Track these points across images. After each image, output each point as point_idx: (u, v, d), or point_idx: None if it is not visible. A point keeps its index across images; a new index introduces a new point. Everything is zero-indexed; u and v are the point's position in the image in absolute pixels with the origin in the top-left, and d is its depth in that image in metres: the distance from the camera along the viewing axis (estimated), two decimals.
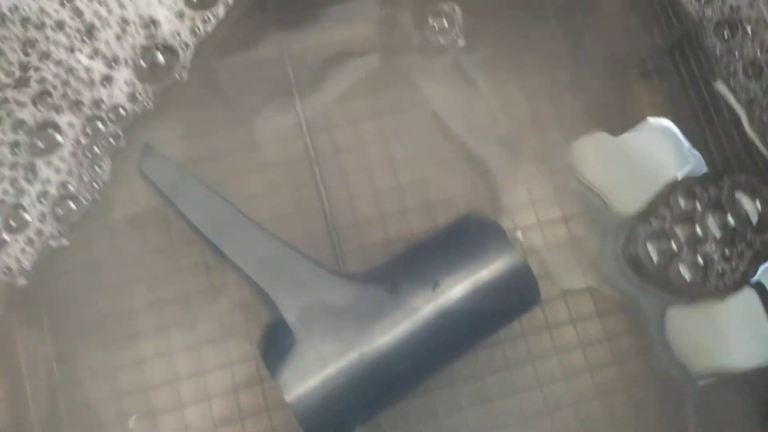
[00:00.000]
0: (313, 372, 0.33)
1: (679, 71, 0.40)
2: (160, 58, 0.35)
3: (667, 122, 0.40)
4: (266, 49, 0.41)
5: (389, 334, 0.34)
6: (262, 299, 0.36)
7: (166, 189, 0.36)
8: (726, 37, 0.36)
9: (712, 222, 0.37)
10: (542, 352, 0.40)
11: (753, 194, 0.38)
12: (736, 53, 0.36)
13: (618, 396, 0.40)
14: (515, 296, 0.36)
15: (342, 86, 0.42)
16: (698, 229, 0.36)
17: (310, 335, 0.34)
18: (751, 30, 0.35)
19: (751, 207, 0.37)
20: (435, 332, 0.34)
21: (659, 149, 0.40)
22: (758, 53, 0.34)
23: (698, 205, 0.36)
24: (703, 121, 0.39)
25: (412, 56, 0.42)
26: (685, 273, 0.37)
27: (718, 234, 0.37)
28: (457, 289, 0.34)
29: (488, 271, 0.35)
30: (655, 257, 0.37)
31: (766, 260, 0.38)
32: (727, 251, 0.37)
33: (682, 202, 0.36)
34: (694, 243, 0.37)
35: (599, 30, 0.43)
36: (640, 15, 0.42)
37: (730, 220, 0.37)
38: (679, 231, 0.37)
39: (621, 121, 0.42)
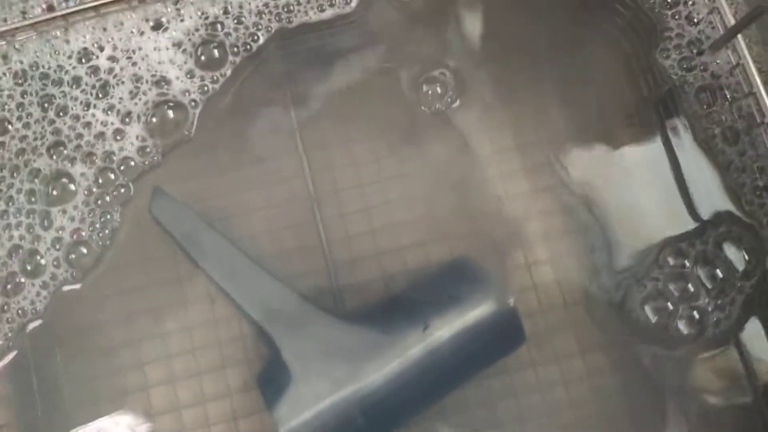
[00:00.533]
0: (308, 408, 0.35)
1: (662, 126, 0.42)
2: (170, 114, 0.38)
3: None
4: (271, 97, 0.43)
5: (381, 372, 0.36)
6: (262, 337, 0.38)
7: (175, 231, 0.39)
8: (707, 100, 0.38)
9: (702, 276, 0.39)
10: (525, 389, 0.42)
11: (737, 243, 0.40)
12: (715, 117, 0.38)
13: None
14: (501, 338, 0.38)
15: (343, 131, 0.45)
16: (690, 286, 0.38)
17: (306, 373, 0.36)
18: (730, 96, 0.37)
19: (736, 255, 0.39)
20: (424, 371, 0.36)
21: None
22: (736, 119, 0.36)
23: (687, 263, 0.38)
24: (683, 174, 0.41)
25: (411, 110, 0.44)
26: (684, 328, 0.39)
27: (709, 286, 0.39)
28: (446, 330, 0.37)
29: (475, 314, 0.37)
30: (653, 318, 0.39)
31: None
32: (719, 301, 0.39)
33: (671, 261, 0.38)
34: (688, 299, 0.39)
35: (589, 81, 0.45)
36: (629, 71, 0.44)
37: (719, 272, 0.39)
38: (673, 289, 0.39)
39: (608, 169, 0.44)
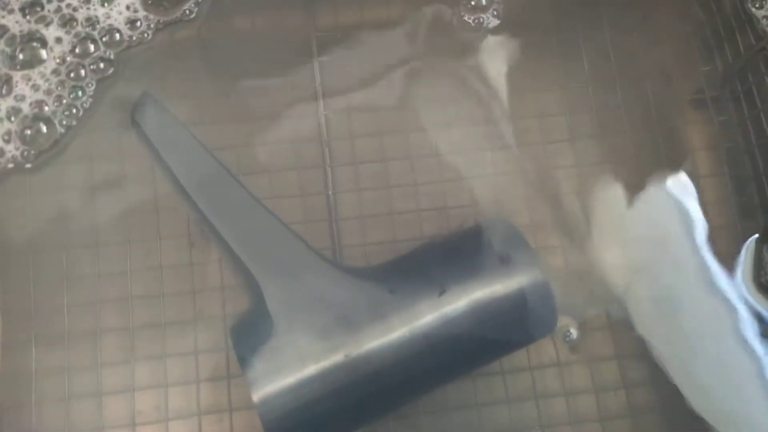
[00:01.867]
0: (289, 370, 0.28)
1: (738, 103, 0.37)
2: None
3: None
4: (292, 16, 0.37)
5: (383, 338, 0.29)
6: (245, 280, 0.31)
7: (158, 141, 0.32)
8: None
9: None
10: (548, 391, 0.35)
11: None
12: None
13: None
14: (530, 319, 0.31)
15: (367, 68, 0.39)
16: None
17: (292, 328, 0.29)
18: None
19: None
20: (434, 344, 0.30)
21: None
22: None
23: None
24: (759, 161, 0.36)
25: (443, 49, 0.38)
26: None
27: None
28: (466, 299, 0.30)
29: (505, 285, 0.31)
30: None
31: None
32: None
33: None
34: None
35: (653, 47, 0.39)
36: (700, 35, 0.39)
37: None
38: None
39: (664, 153, 0.38)
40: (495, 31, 0.38)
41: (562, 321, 0.35)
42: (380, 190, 0.38)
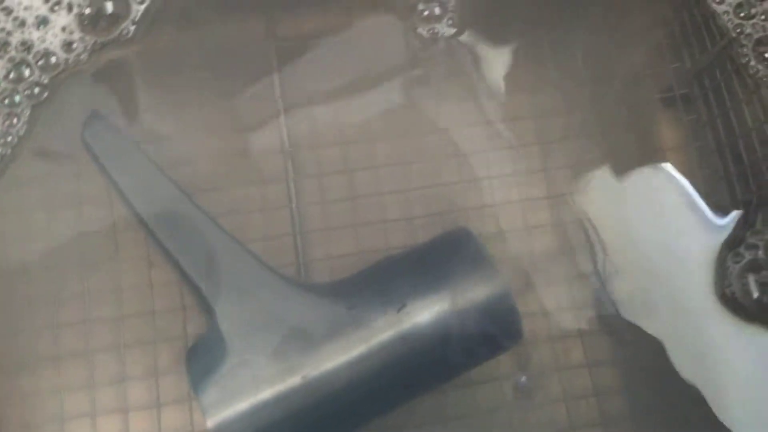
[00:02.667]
0: (244, 394, 0.28)
1: (707, 100, 0.36)
2: (109, 6, 0.31)
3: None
4: (247, 27, 0.36)
5: (341, 357, 0.28)
6: (199, 301, 0.31)
7: (108, 162, 0.32)
8: (767, 57, 0.31)
9: None
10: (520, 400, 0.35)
11: None
12: None
13: None
14: (493, 331, 0.31)
15: (329, 78, 0.38)
16: None
17: (247, 350, 0.28)
18: None
19: None
20: (395, 361, 0.29)
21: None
22: None
23: None
24: (729, 159, 0.35)
25: (408, 52, 0.37)
26: None
27: None
28: (426, 313, 0.29)
29: (465, 298, 0.30)
30: (755, 292, 0.31)
31: None
32: None
33: None
34: None
35: (622, 46, 0.38)
36: (668, 31, 0.38)
37: None
38: None
39: (635, 153, 0.38)
40: (452, 39, 0.37)
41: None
42: (345, 202, 0.37)
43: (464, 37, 0.37)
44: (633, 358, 0.35)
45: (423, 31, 0.36)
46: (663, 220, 0.35)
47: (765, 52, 0.30)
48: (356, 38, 0.38)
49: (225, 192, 0.36)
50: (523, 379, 0.33)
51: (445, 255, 0.31)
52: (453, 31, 0.36)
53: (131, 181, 0.31)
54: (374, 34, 0.37)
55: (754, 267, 0.29)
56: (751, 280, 0.29)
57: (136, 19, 0.31)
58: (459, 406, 0.34)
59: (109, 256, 0.35)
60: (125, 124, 0.33)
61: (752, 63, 0.31)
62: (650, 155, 0.37)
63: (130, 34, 0.31)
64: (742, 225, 0.30)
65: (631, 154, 0.37)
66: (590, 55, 0.38)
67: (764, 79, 0.31)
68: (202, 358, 0.29)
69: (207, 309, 0.30)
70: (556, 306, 0.36)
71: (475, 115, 0.38)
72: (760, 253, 0.29)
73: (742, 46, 0.31)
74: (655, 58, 0.38)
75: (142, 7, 0.31)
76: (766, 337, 0.29)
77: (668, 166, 0.36)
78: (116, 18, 0.31)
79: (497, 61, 0.37)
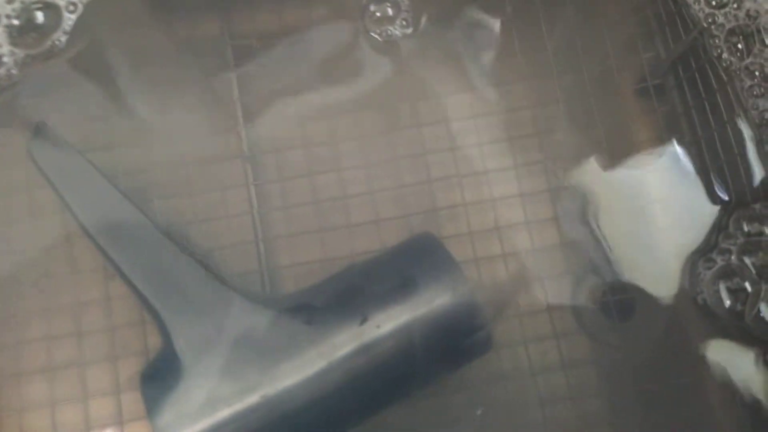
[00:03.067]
0: (199, 416, 0.27)
1: (681, 90, 0.34)
2: (39, 17, 0.29)
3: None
4: (201, 26, 0.35)
5: (301, 374, 0.27)
6: (153, 319, 0.30)
7: (54, 175, 0.30)
8: (740, 49, 0.29)
9: None
10: (493, 404, 0.34)
11: None
12: (751, 69, 0.29)
13: None
14: (461, 341, 0.30)
15: (288, 78, 0.36)
16: None
17: (202, 370, 0.27)
18: None
19: None
20: (357, 377, 0.28)
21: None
22: None
23: (766, 230, 0.29)
24: (704, 150, 0.33)
25: (367, 51, 0.36)
26: (766, 315, 0.29)
27: None
28: (389, 326, 0.28)
29: (430, 307, 0.29)
30: (727, 300, 0.29)
31: None
32: None
33: (745, 226, 0.29)
34: None
35: (594, 37, 0.37)
36: (641, 21, 0.36)
37: None
38: (750, 263, 0.29)
39: (607, 147, 0.36)
40: (408, 39, 0.36)
41: None
42: (308, 206, 0.35)
43: (420, 36, 0.35)
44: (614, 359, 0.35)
45: (376, 31, 0.34)
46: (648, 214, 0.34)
47: (737, 43, 0.29)
48: (316, 36, 0.36)
49: (183, 200, 0.34)
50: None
51: (408, 263, 0.30)
52: (409, 31, 0.34)
53: (78, 195, 0.30)
54: (333, 33, 0.36)
55: (727, 273, 0.28)
56: (723, 287, 0.28)
57: (68, 29, 0.29)
58: (430, 415, 0.33)
59: (66, 269, 0.34)
60: (74, 134, 0.32)
61: (725, 55, 0.30)
62: (623, 150, 0.36)
63: (62, 45, 0.30)
64: (716, 228, 0.29)
65: (602, 149, 0.36)
66: (560, 46, 0.36)
67: (737, 72, 0.29)
68: (156, 379, 0.28)
69: (161, 327, 0.28)
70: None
71: (438, 114, 0.36)
72: (733, 258, 0.27)
73: (714, 36, 0.30)
74: (628, 47, 0.36)
75: (74, 16, 0.30)
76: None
77: (650, 159, 0.35)
78: (47, 29, 0.29)
79: (458, 59, 0.36)
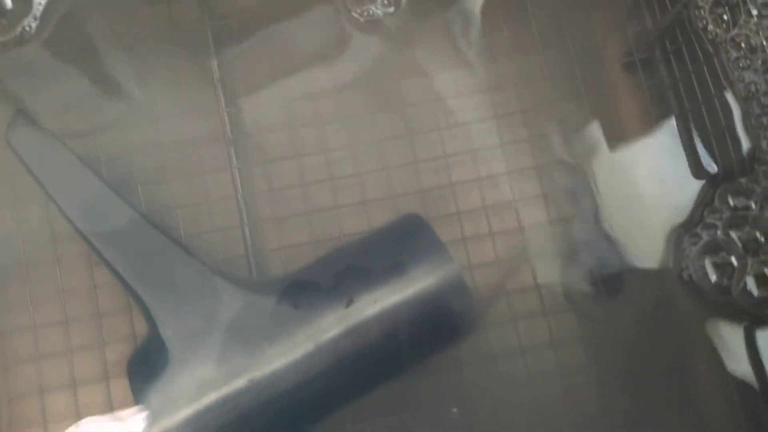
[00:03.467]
0: (188, 401, 0.27)
1: (668, 64, 0.34)
2: (9, 2, 0.28)
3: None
4: (175, 4, 0.34)
5: (288, 358, 0.27)
6: (138, 306, 0.29)
7: (33, 163, 0.30)
8: (725, 20, 0.29)
9: None
10: (486, 385, 0.34)
11: None
12: (737, 41, 0.29)
13: None
14: (447, 321, 0.30)
15: (270, 58, 0.36)
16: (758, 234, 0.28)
17: (189, 355, 0.27)
18: (757, 13, 0.28)
19: None
20: (346, 359, 0.28)
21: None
22: (763, 42, 0.27)
23: (752, 204, 0.28)
24: (691, 123, 0.33)
25: (350, 28, 0.35)
26: (754, 288, 0.28)
27: None
28: (376, 308, 0.28)
29: (416, 289, 0.29)
30: (714, 275, 0.29)
31: None
32: None
33: (731, 201, 0.28)
34: (756, 250, 0.28)
35: (578, 11, 0.36)
36: None
37: None
38: (736, 237, 0.28)
39: (595, 122, 0.36)
40: (390, 18, 0.35)
41: None
42: (294, 189, 0.35)
43: (402, 15, 0.34)
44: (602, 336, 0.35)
45: (357, 11, 0.34)
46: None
47: (722, 14, 0.29)
48: (297, 17, 0.35)
49: (165, 185, 0.34)
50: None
51: (394, 244, 0.30)
52: (391, 10, 0.34)
53: (59, 183, 0.29)
54: (314, 13, 0.35)
55: (712, 248, 0.28)
56: (708, 262, 0.28)
57: (38, 15, 0.29)
58: (421, 393, 0.33)
59: (50, 257, 0.34)
60: (53, 121, 0.31)
61: (710, 27, 0.29)
62: (610, 125, 0.36)
63: (33, 31, 0.29)
64: (701, 203, 0.29)
65: (590, 124, 0.36)
66: (546, 21, 0.36)
67: (723, 44, 0.29)
68: (142, 366, 0.28)
69: (145, 314, 0.28)
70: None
71: (423, 95, 0.36)
72: (719, 233, 0.27)
73: (699, 8, 0.29)
74: (615, 20, 0.36)
75: (44, 1, 0.29)
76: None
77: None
78: (17, 14, 0.28)
79: (441, 36, 0.35)
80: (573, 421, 0.34)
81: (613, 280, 0.34)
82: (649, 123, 0.35)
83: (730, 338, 0.29)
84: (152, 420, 0.27)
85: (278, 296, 0.29)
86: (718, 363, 0.30)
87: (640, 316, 0.33)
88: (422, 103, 0.35)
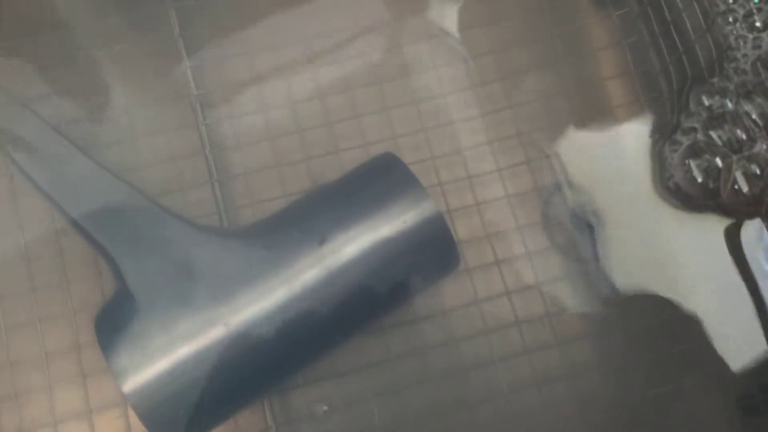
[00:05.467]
0: (160, 353, 0.25)
1: None
2: None
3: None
4: None
5: (262, 301, 0.26)
6: (104, 258, 0.28)
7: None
8: None
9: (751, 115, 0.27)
10: (472, 332, 0.33)
11: None
12: None
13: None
14: (427, 257, 0.29)
15: (233, 11, 0.35)
16: (739, 131, 0.27)
17: (158, 305, 0.26)
18: None
19: None
20: (321, 299, 0.27)
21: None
22: None
23: (728, 102, 0.27)
24: (665, 53, 0.32)
25: None
26: (743, 185, 0.27)
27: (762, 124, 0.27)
28: (350, 245, 0.27)
29: (391, 224, 0.28)
30: (699, 177, 0.28)
31: None
32: None
33: (706, 101, 0.28)
34: (740, 147, 0.28)
35: None
36: None
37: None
38: (717, 137, 0.28)
39: (564, 60, 0.35)
40: None
41: None
42: (263, 143, 0.34)
43: None
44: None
45: None
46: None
47: None
48: None
49: (129, 145, 0.33)
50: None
51: (369, 182, 0.29)
52: None
53: (18, 140, 0.28)
54: None
55: (695, 151, 0.27)
56: (693, 165, 0.27)
57: None
58: (404, 344, 0.32)
59: (14, 226, 0.32)
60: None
61: None
62: (581, 62, 0.35)
63: None
64: (675, 108, 0.28)
65: (560, 65, 0.35)
66: None
67: None
68: (111, 321, 0.27)
69: (112, 265, 0.27)
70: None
71: (396, 39, 0.35)
72: (699, 136, 0.26)
73: None
74: None
75: None
76: (714, 223, 0.27)
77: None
78: None
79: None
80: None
81: (596, 216, 0.33)
82: (622, 54, 0.34)
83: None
84: (120, 376, 0.25)
85: (249, 239, 0.27)
86: None
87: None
88: (402, 45, 0.35)
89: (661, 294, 0.32)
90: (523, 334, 0.33)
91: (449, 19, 0.36)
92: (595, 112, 0.34)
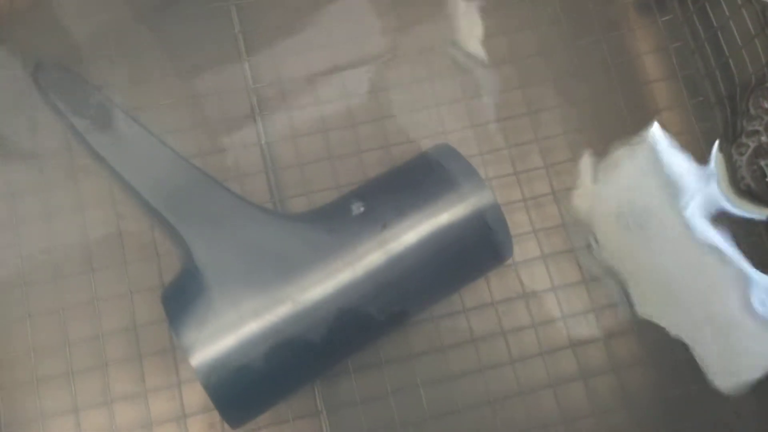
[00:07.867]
0: (228, 329, 0.26)
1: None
2: None
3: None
4: None
5: (326, 282, 0.27)
6: (172, 239, 0.29)
7: (63, 104, 0.30)
8: None
9: None
10: (518, 325, 0.34)
11: None
12: None
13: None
14: (483, 245, 0.29)
15: (290, 9, 0.36)
16: None
17: (226, 283, 0.27)
18: None
19: None
20: (383, 281, 0.27)
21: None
22: None
23: None
24: (711, 57, 0.33)
25: None
26: None
27: None
28: (411, 231, 0.28)
29: (450, 212, 0.28)
30: None
31: None
32: None
33: (766, 104, 0.28)
34: None
35: None
36: None
37: None
38: None
39: (612, 63, 0.36)
40: None
41: None
42: (317, 135, 0.35)
43: None
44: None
45: None
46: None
47: None
48: None
49: (188, 134, 0.34)
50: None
51: (428, 171, 0.30)
52: None
53: (87, 118, 0.29)
54: None
55: (761, 153, 0.27)
56: (763, 164, 0.27)
57: None
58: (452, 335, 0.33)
59: (73, 207, 0.33)
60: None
61: None
62: (627, 64, 0.36)
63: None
64: (733, 116, 0.29)
65: (607, 67, 0.36)
66: None
67: None
68: (179, 297, 0.27)
69: (180, 244, 0.28)
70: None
71: (447, 38, 0.36)
72: (763, 138, 0.27)
73: None
74: None
75: None
76: None
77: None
78: None
79: None
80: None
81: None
82: (667, 58, 0.35)
83: None
84: (189, 350, 0.26)
85: (312, 224, 0.28)
86: None
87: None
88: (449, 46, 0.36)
89: None
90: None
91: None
92: (639, 115, 0.35)
